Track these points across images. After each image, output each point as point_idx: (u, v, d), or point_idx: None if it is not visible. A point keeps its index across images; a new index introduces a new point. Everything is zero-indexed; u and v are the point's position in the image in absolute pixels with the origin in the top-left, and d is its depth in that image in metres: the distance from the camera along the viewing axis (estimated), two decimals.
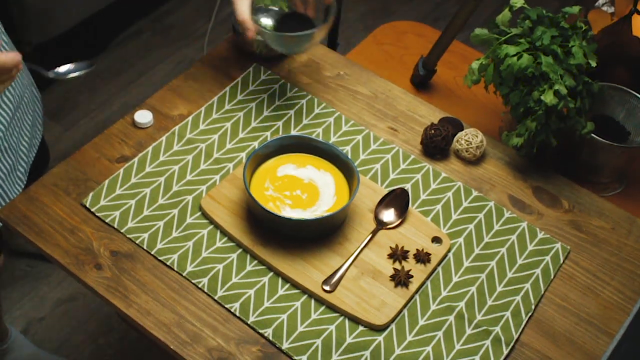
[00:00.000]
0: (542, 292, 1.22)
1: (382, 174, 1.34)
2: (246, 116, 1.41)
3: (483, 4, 2.14)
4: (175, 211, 1.26)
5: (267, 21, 1.55)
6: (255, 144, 1.36)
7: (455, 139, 1.38)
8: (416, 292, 1.20)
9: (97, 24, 2.68)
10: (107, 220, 1.24)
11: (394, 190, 1.29)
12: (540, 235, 1.29)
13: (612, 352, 0.79)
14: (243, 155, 1.34)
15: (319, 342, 1.13)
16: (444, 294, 1.20)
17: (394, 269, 1.20)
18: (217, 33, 2.81)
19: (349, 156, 1.35)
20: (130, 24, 2.84)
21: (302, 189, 1.25)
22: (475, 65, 1.35)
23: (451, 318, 1.17)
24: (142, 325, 1.13)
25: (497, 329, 1.17)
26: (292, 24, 1.36)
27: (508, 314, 1.19)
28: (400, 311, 1.17)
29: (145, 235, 1.23)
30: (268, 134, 1.38)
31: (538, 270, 1.24)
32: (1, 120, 1.38)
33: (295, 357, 1.11)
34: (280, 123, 1.40)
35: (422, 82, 1.58)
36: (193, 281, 1.18)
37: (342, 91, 1.47)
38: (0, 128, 1.37)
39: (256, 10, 1.55)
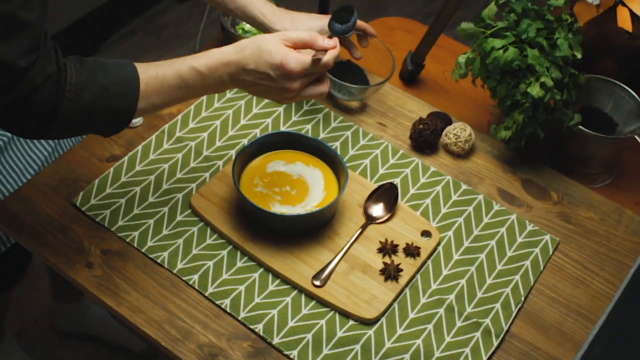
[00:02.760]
0: (532, 283, 1.23)
1: (372, 169, 1.35)
2: (235, 114, 1.41)
3: (472, 0, 2.15)
4: (166, 209, 1.26)
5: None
6: (245, 141, 1.37)
7: (444, 133, 1.39)
8: (406, 285, 1.20)
9: (89, 25, 2.68)
10: (97, 219, 1.24)
11: (383, 184, 1.29)
12: (529, 227, 1.29)
13: (595, 337, 0.79)
14: (232, 152, 1.35)
15: (309, 336, 1.14)
16: (433, 287, 1.21)
17: (384, 263, 1.21)
18: (208, 33, 2.81)
19: (338, 152, 1.35)
20: (122, 25, 2.84)
21: (292, 185, 1.26)
22: (462, 59, 1.36)
23: (441, 311, 1.18)
24: (134, 323, 1.14)
25: (487, 320, 1.17)
26: (347, 73, 1.45)
27: (498, 305, 1.19)
28: (391, 305, 1.18)
29: (136, 233, 1.23)
30: (257, 131, 1.39)
31: (527, 262, 1.25)
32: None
33: (286, 352, 1.12)
34: (269, 120, 1.41)
35: (411, 77, 1.58)
36: (184, 278, 1.18)
37: None
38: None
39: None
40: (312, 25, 1.29)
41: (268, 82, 1.08)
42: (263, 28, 1.30)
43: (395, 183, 1.31)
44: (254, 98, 1.43)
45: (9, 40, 0.92)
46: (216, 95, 1.43)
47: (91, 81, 1.02)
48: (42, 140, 1.43)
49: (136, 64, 1.07)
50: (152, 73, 1.07)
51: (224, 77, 1.09)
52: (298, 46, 1.10)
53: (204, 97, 1.43)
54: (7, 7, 0.90)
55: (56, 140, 1.47)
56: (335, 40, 1.11)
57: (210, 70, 1.08)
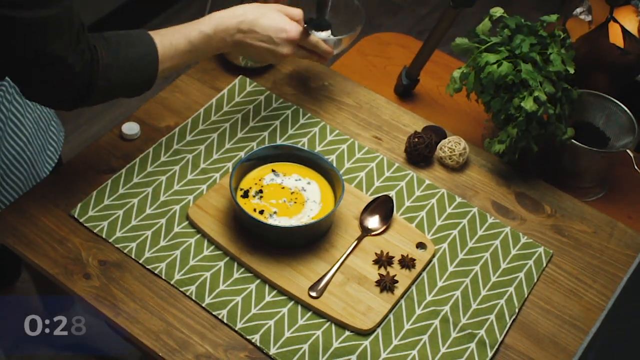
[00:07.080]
0: (526, 295, 1.24)
1: (367, 181, 1.36)
2: (232, 127, 1.42)
3: (466, 16, 2.17)
4: (163, 221, 1.27)
5: None
6: (242, 154, 1.38)
7: (438, 146, 1.40)
8: (401, 297, 1.21)
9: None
10: (95, 231, 1.25)
11: (378, 197, 1.30)
12: (523, 239, 1.31)
13: (587, 347, 0.80)
14: (229, 165, 1.36)
15: (306, 347, 1.15)
16: (428, 298, 1.22)
17: (380, 274, 1.22)
18: None
19: (334, 165, 1.37)
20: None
21: (288, 197, 1.27)
22: (456, 73, 1.38)
23: (436, 322, 1.19)
24: (131, 333, 1.14)
25: (482, 332, 1.18)
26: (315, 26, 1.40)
27: (492, 317, 1.20)
28: (386, 316, 1.19)
29: (134, 244, 1.24)
30: (254, 144, 1.40)
31: (521, 274, 1.26)
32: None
33: None
34: (266, 133, 1.42)
35: (406, 91, 1.60)
36: (181, 289, 1.19)
37: (327, 101, 1.49)
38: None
39: None
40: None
41: (268, 45, 1.25)
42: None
43: (390, 196, 1.33)
44: (251, 111, 1.45)
45: (62, 38, 1.04)
46: (213, 108, 1.45)
47: (117, 62, 1.15)
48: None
49: (151, 34, 1.20)
50: (167, 42, 1.20)
51: (226, 39, 1.24)
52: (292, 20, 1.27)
53: (201, 111, 1.44)
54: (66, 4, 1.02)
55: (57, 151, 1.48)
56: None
57: (216, 32, 1.23)
